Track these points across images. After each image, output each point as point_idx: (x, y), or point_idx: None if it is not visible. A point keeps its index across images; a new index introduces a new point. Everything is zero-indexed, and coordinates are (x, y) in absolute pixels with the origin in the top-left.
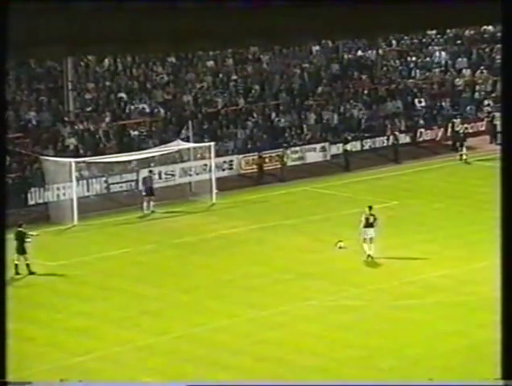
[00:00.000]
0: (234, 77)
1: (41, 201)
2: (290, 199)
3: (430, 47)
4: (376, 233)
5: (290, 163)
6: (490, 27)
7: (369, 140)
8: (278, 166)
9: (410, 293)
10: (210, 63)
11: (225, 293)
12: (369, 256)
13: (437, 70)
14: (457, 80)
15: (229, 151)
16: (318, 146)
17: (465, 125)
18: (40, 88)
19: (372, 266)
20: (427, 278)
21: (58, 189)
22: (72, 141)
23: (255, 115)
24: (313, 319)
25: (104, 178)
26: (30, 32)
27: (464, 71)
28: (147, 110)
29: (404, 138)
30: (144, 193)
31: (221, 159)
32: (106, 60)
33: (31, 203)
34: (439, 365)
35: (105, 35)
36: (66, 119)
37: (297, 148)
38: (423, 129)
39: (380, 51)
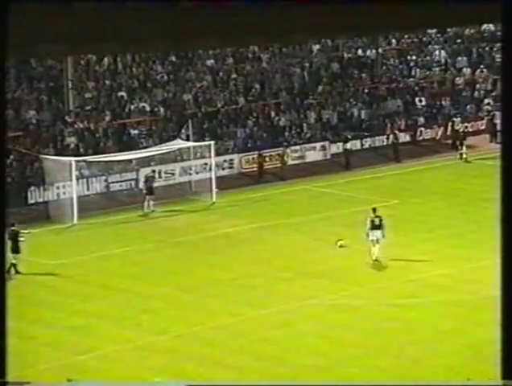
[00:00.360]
0: (234, 76)
1: (41, 200)
2: (290, 197)
3: (430, 46)
4: (382, 235)
5: (290, 162)
6: (490, 26)
7: (369, 139)
8: (279, 164)
9: (410, 292)
10: (210, 62)
11: (225, 292)
12: (375, 260)
13: (437, 69)
14: (457, 78)
15: (229, 150)
16: (318, 145)
17: (465, 124)
18: (40, 87)
19: (372, 265)
20: (428, 277)
21: (58, 188)
22: (72, 140)
23: (255, 114)
24: (313, 318)
25: (104, 177)
26: (31, 31)
27: (464, 69)
28: (147, 109)
29: (404, 137)
30: (145, 192)
31: (221, 158)
32: (106, 59)
33: (31, 201)
34: (440, 364)
35: (105, 34)
36: (66, 118)
37: (297, 147)
38: (423, 128)
39: (380, 50)
